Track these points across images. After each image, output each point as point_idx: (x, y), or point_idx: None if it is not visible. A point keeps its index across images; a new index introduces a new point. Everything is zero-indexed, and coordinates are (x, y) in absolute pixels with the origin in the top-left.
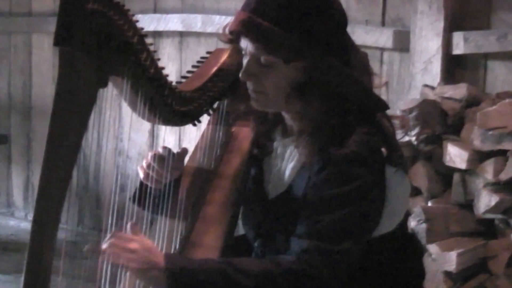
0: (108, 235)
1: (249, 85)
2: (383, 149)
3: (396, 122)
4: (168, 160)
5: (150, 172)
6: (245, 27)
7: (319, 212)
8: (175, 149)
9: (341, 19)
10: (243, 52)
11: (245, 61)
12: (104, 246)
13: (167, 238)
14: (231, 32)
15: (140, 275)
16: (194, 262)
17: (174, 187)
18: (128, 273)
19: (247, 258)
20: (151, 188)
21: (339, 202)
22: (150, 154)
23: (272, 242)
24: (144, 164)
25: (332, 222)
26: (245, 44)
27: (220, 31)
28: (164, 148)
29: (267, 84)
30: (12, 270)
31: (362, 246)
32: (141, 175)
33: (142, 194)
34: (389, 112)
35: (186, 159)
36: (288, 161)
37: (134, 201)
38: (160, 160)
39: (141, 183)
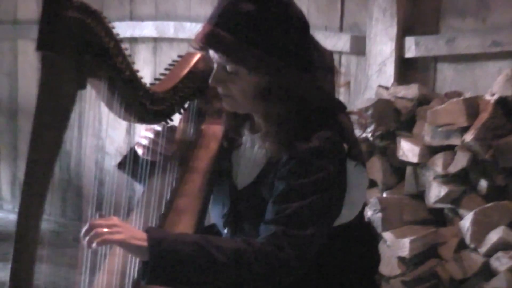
0: (85, 226)
1: (219, 90)
2: (344, 145)
3: (355, 118)
4: (166, 134)
5: (151, 146)
6: (209, 39)
7: (286, 200)
8: None
9: (302, 26)
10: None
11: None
12: (85, 228)
13: (142, 228)
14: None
15: (125, 245)
16: (173, 234)
17: (165, 164)
18: (107, 259)
19: (222, 237)
20: (137, 157)
21: (304, 191)
22: (146, 130)
23: (240, 230)
24: (143, 141)
25: (297, 209)
26: (212, 53)
27: (191, 37)
28: (164, 126)
29: (233, 89)
30: (1, 259)
31: (325, 232)
32: (140, 151)
33: (128, 162)
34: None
35: None
36: (256, 154)
37: (121, 167)
38: (158, 135)
39: (129, 153)
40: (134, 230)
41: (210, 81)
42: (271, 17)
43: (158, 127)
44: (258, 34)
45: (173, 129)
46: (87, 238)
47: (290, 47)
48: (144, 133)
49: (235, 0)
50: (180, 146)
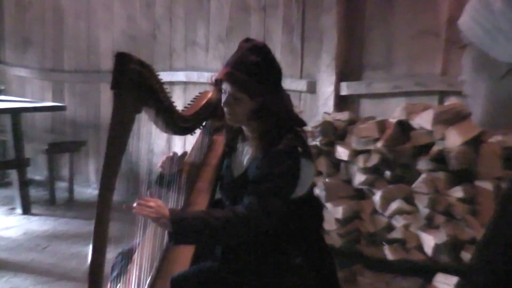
0: (136, 198)
1: (226, 110)
2: (299, 148)
3: (309, 134)
4: (174, 160)
5: (165, 166)
6: (228, 76)
7: (260, 182)
8: (182, 149)
9: (281, 73)
10: (223, 91)
11: (223, 96)
12: (134, 204)
13: (176, 201)
14: (216, 80)
15: (155, 221)
16: (187, 213)
17: (178, 175)
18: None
19: (218, 209)
20: (166, 176)
21: (272, 176)
22: (165, 156)
23: (237, 202)
24: (161, 163)
25: (267, 187)
26: (226, 86)
27: (209, 80)
28: (173, 153)
29: (237, 110)
30: (90, 218)
31: (285, 203)
32: (160, 168)
33: (161, 180)
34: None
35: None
36: (245, 155)
37: (157, 183)
38: (170, 160)
39: (160, 175)
40: (163, 210)
41: (222, 104)
42: (267, 65)
43: (171, 154)
44: (259, 74)
45: (183, 155)
46: (137, 207)
47: (276, 84)
48: (162, 159)
49: (246, 52)
50: (198, 153)
